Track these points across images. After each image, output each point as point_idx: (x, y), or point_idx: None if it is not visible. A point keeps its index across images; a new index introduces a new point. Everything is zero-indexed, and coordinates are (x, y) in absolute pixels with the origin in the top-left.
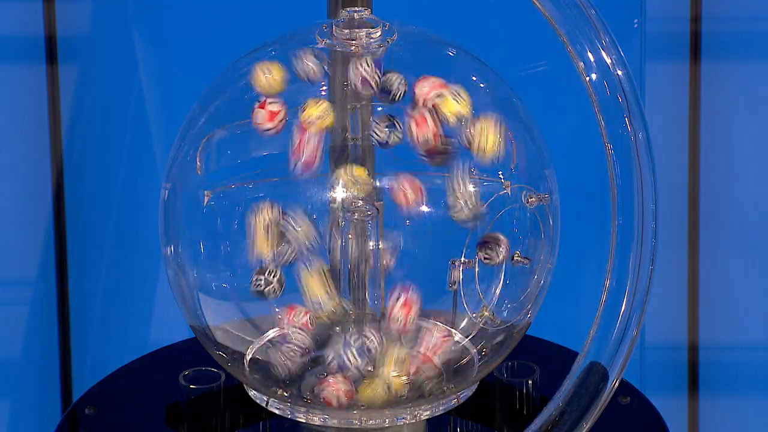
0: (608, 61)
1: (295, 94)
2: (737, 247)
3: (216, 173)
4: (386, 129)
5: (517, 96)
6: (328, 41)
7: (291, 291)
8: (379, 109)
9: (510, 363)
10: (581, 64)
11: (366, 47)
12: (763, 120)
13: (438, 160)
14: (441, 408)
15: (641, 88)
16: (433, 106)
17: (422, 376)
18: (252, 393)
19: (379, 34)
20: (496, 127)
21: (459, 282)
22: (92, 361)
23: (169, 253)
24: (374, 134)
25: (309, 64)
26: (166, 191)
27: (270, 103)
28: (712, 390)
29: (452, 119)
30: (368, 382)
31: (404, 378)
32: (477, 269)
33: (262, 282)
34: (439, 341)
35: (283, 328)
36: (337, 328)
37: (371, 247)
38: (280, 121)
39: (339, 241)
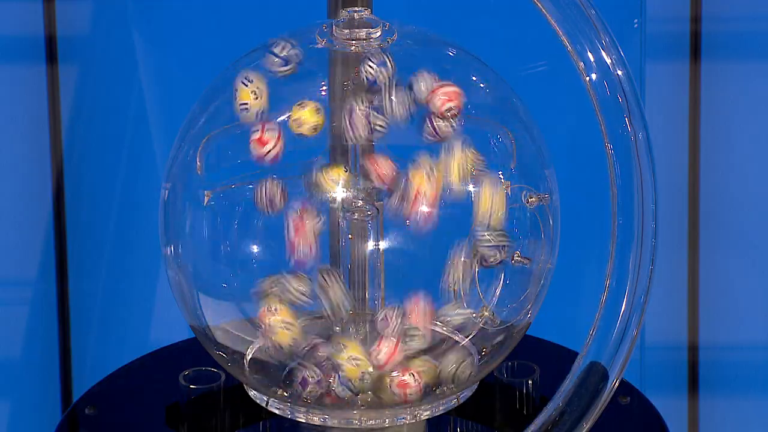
0: (608, 61)
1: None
2: (737, 247)
3: (216, 173)
4: (377, 66)
5: (517, 96)
6: (328, 41)
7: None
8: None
9: (510, 363)
10: (581, 64)
11: (366, 48)
12: (763, 120)
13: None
14: (441, 408)
15: (641, 88)
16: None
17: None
18: (252, 393)
19: (379, 34)
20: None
21: (459, 282)
22: (92, 361)
23: (169, 253)
24: (364, 71)
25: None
26: (166, 191)
27: (267, 130)
28: (712, 390)
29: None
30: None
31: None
32: (477, 269)
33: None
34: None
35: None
36: (337, 328)
37: (371, 247)
38: (278, 140)
39: (339, 241)
